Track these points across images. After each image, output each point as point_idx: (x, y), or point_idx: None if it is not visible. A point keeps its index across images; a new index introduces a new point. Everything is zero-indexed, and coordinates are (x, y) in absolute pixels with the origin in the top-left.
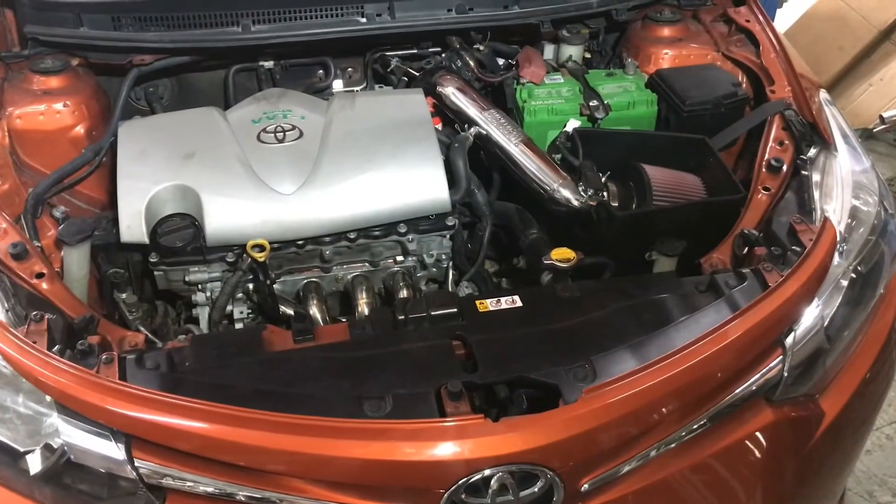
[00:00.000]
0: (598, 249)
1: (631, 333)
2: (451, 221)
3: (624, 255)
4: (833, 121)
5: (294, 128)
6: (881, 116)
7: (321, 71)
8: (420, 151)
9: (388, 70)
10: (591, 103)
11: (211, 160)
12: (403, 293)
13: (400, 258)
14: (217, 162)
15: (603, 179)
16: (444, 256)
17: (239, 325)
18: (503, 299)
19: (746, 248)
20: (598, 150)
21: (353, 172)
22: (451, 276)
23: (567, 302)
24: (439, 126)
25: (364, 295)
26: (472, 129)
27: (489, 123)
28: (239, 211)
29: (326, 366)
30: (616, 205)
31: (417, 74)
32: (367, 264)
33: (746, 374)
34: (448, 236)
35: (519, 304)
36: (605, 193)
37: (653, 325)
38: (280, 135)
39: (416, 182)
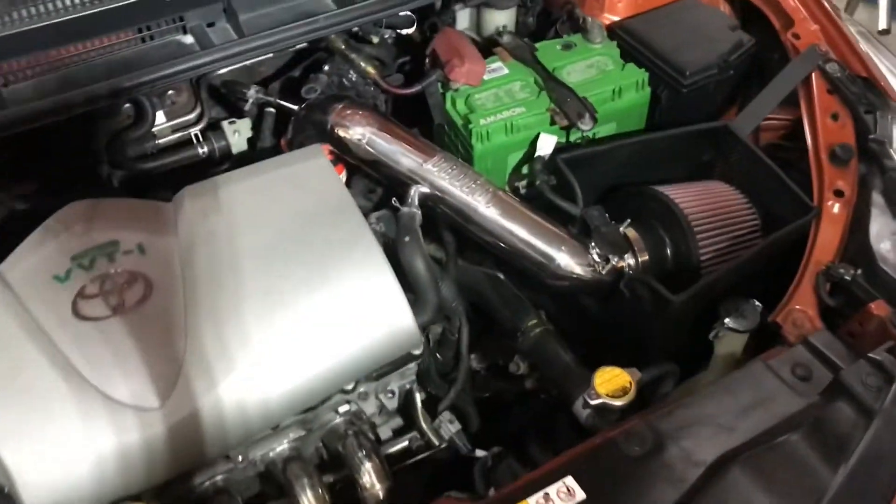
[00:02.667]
0: (631, 330)
1: None
2: (417, 351)
3: (673, 340)
4: (885, 65)
5: (134, 277)
6: None
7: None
8: (353, 265)
9: (240, 98)
10: (564, 102)
11: None
12: (360, 459)
13: (344, 408)
14: (9, 381)
15: (622, 229)
16: (408, 386)
17: None
18: (552, 491)
19: (837, 293)
20: (588, 174)
21: (256, 332)
22: (419, 408)
23: (649, 468)
24: (343, 175)
25: (306, 492)
26: (413, 194)
27: (438, 179)
28: (71, 463)
29: None
30: (646, 259)
31: (295, 110)
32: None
33: None
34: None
35: (581, 496)
36: (628, 257)
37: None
38: (113, 298)
39: (361, 320)
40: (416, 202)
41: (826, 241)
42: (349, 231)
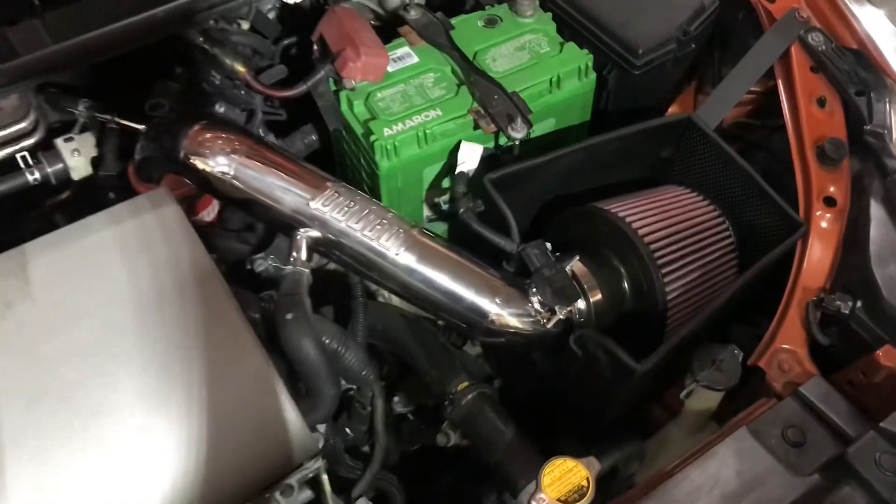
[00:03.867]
0: (585, 388)
1: None
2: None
3: (635, 401)
4: (879, 35)
5: None
6: None
7: None
8: (215, 363)
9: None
10: (489, 101)
11: None
12: None
13: None
14: None
15: (569, 267)
16: (310, 475)
17: None
18: None
19: (829, 325)
20: (524, 191)
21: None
22: (328, 494)
23: None
24: (213, 208)
25: None
26: (298, 243)
27: (332, 220)
28: None
29: None
30: (598, 298)
31: (141, 131)
32: None
33: None
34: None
35: None
36: (579, 303)
37: None
38: None
39: (226, 438)
40: (304, 254)
41: (815, 262)
42: (208, 316)
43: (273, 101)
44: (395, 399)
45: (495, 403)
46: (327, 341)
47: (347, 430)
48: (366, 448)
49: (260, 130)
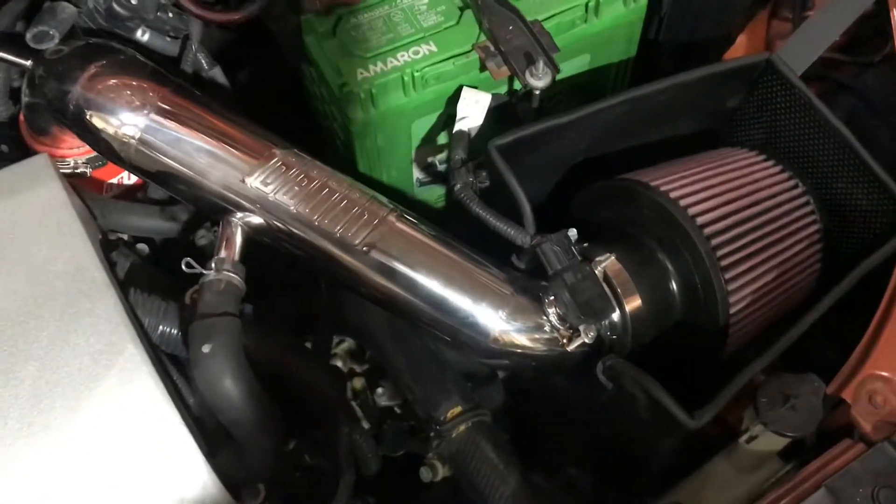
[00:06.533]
0: (616, 426)
1: None
2: None
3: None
4: None
5: None
6: None
7: None
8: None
9: None
10: (502, 35)
11: None
12: None
13: None
14: None
15: (600, 269)
16: None
17: None
18: None
19: None
20: (543, 157)
21: None
22: None
23: None
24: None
25: None
26: (231, 235)
27: (278, 201)
28: None
29: None
30: (637, 306)
31: (27, 66)
32: None
33: None
34: None
35: None
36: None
37: None
38: None
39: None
40: (237, 250)
41: None
42: (91, 332)
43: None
44: (379, 391)
45: (495, 437)
46: None
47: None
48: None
49: (202, 63)
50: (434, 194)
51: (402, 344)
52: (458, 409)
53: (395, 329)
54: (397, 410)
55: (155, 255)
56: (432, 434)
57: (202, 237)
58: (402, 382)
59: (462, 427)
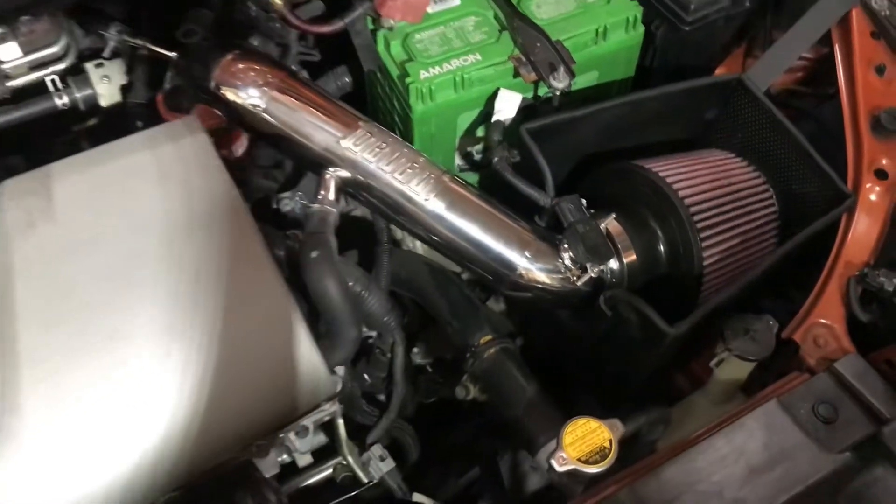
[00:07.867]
0: (613, 351)
1: None
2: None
3: (664, 366)
4: None
5: None
6: None
7: None
8: (239, 299)
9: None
10: (532, 49)
11: None
12: None
13: None
14: None
15: (604, 224)
16: (326, 418)
17: None
18: None
19: (871, 303)
20: (561, 144)
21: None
22: (343, 439)
23: None
24: (243, 142)
25: None
26: (327, 182)
27: (362, 161)
28: None
29: None
30: (633, 259)
31: (172, 58)
32: None
33: None
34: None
35: None
36: (612, 263)
37: None
38: None
39: (249, 376)
40: (332, 193)
41: (860, 236)
42: (234, 249)
43: (308, 39)
44: (415, 350)
45: (518, 359)
46: (351, 284)
47: (365, 375)
48: (382, 396)
49: (293, 68)
50: (470, 180)
51: (444, 289)
52: (489, 336)
53: (437, 278)
54: (429, 369)
55: None
56: (468, 356)
57: (286, 204)
58: (443, 318)
59: (492, 350)
